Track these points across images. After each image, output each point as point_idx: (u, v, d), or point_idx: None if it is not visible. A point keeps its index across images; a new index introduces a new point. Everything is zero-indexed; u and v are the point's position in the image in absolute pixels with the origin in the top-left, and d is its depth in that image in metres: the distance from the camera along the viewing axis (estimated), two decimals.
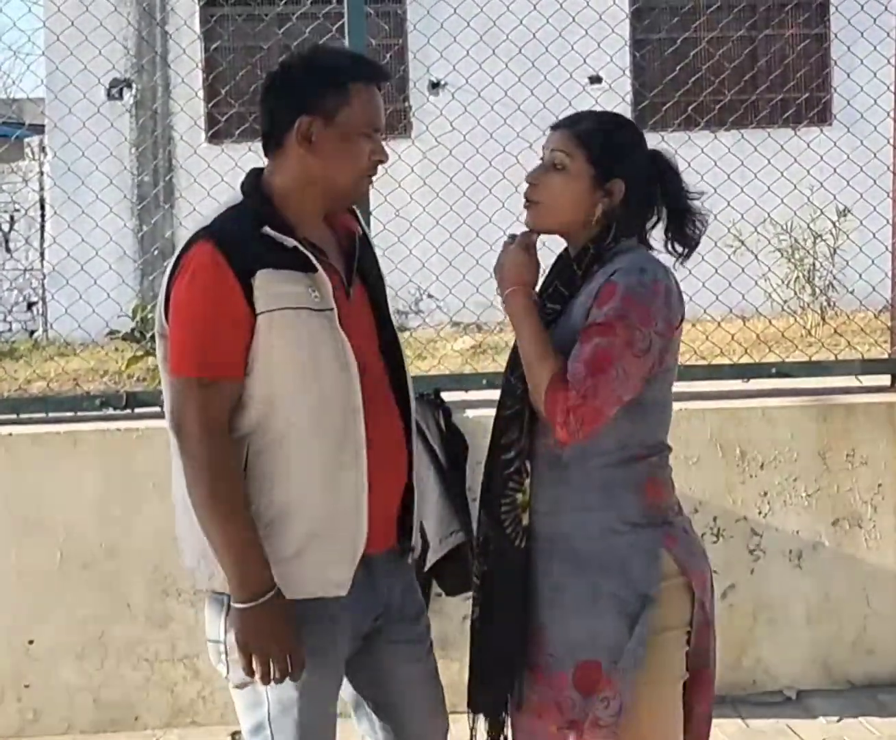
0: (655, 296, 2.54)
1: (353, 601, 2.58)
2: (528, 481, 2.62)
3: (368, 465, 2.54)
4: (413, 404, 2.73)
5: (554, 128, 2.71)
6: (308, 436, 2.50)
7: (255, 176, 2.62)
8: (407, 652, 2.74)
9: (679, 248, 2.72)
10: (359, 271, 2.67)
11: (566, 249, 2.75)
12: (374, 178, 2.64)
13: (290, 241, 2.50)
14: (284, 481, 2.51)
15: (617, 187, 2.63)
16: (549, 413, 2.50)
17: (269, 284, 2.46)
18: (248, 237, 2.49)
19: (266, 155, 2.62)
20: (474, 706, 2.77)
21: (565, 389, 2.47)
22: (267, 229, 2.49)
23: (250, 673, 2.49)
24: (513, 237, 2.71)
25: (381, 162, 2.61)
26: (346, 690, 2.76)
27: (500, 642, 2.65)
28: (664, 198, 2.70)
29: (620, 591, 2.55)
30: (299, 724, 2.55)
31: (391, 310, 2.76)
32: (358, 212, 2.79)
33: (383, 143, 2.61)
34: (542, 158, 2.69)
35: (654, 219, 2.71)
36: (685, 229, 2.70)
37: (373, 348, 2.65)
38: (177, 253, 2.54)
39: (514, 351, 2.71)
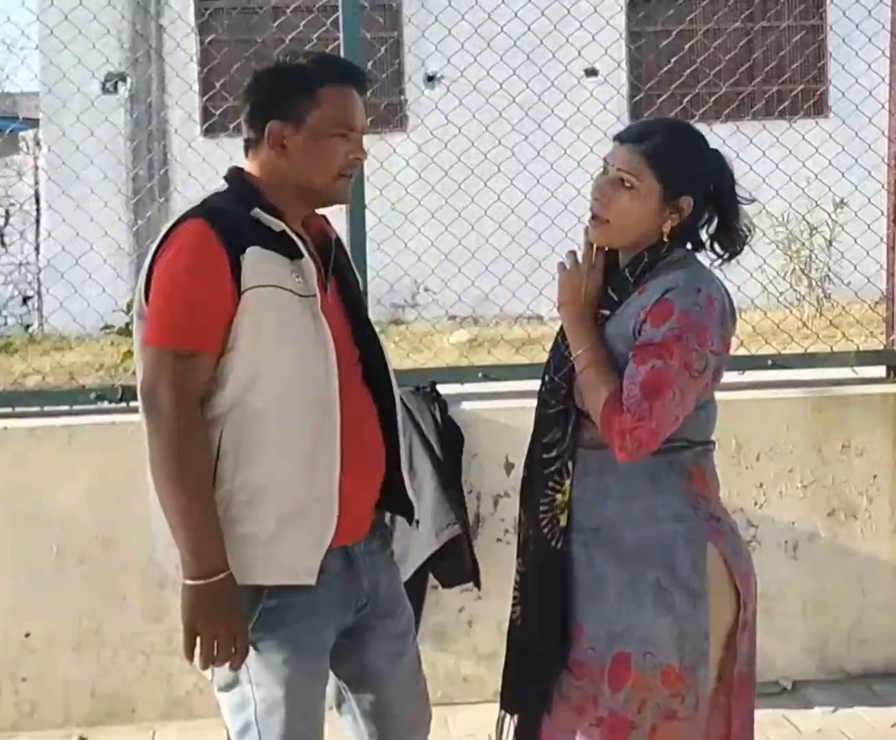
0: (711, 316, 2.53)
1: (335, 593, 2.57)
2: (568, 482, 2.60)
3: (346, 451, 2.54)
4: (397, 399, 2.72)
5: (620, 140, 2.63)
6: (286, 416, 2.50)
7: (238, 169, 2.66)
8: (390, 646, 2.74)
9: (720, 250, 2.68)
10: (333, 271, 2.69)
11: (613, 250, 2.69)
12: (368, 171, 2.65)
13: (279, 224, 2.53)
14: (260, 461, 2.50)
15: (686, 204, 2.59)
16: (605, 434, 2.50)
17: (257, 262, 2.48)
18: (238, 216, 2.51)
19: (245, 157, 2.66)
20: (510, 707, 2.74)
21: (621, 412, 2.47)
22: (257, 211, 2.52)
23: (190, 654, 2.49)
24: (573, 253, 2.68)
25: (359, 160, 2.63)
26: (330, 684, 2.75)
27: (540, 643, 2.64)
28: (719, 204, 2.65)
29: (665, 583, 2.54)
30: (287, 722, 2.54)
31: (369, 307, 2.80)
32: (329, 220, 2.79)
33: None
34: (605, 169, 2.62)
35: (711, 221, 2.67)
36: (735, 235, 2.67)
37: (347, 341, 2.66)
38: (163, 231, 2.54)
39: (556, 349, 2.70)
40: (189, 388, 2.45)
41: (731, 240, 2.68)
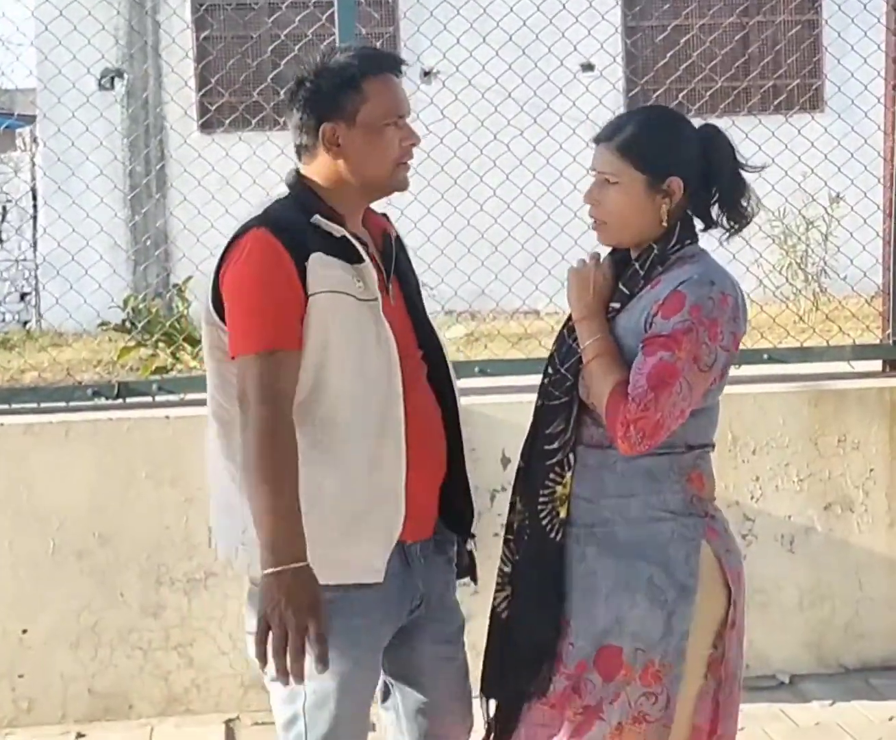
0: (723, 311, 2.52)
1: (390, 591, 2.58)
2: (569, 474, 2.60)
3: (410, 452, 2.56)
4: (458, 400, 2.74)
5: (597, 142, 2.65)
6: (351, 418, 2.52)
7: (297, 172, 2.66)
8: (440, 650, 2.75)
9: (728, 224, 2.68)
10: (395, 272, 2.70)
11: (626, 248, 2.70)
12: (410, 163, 2.66)
13: (339, 230, 2.54)
14: (327, 463, 2.52)
15: (675, 185, 2.59)
16: (609, 423, 2.50)
17: (321, 267, 2.50)
18: (300, 223, 2.53)
19: (299, 162, 2.66)
20: (490, 692, 2.74)
21: (625, 401, 2.47)
22: (317, 218, 2.53)
23: (262, 651, 2.42)
24: (585, 261, 2.69)
25: (414, 145, 2.64)
26: (382, 687, 2.77)
27: (530, 633, 2.63)
28: (718, 177, 2.65)
29: (657, 578, 2.54)
30: (334, 717, 2.54)
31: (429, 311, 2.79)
32: (388, 218, 2.80)
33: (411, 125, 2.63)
34: (592, 175, 2.65)
35: (716, 197, 2.67)
36: (739, 206, 2.67)
37: (411, 342, 2.67)
38: (227, 240, 2.56)
39: (561, 340, 2.70)
40: (277, 388, 2.47)
41: (733, 214, 2.67)
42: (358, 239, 2.58)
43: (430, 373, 2.71)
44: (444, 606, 2.76)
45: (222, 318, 2.55)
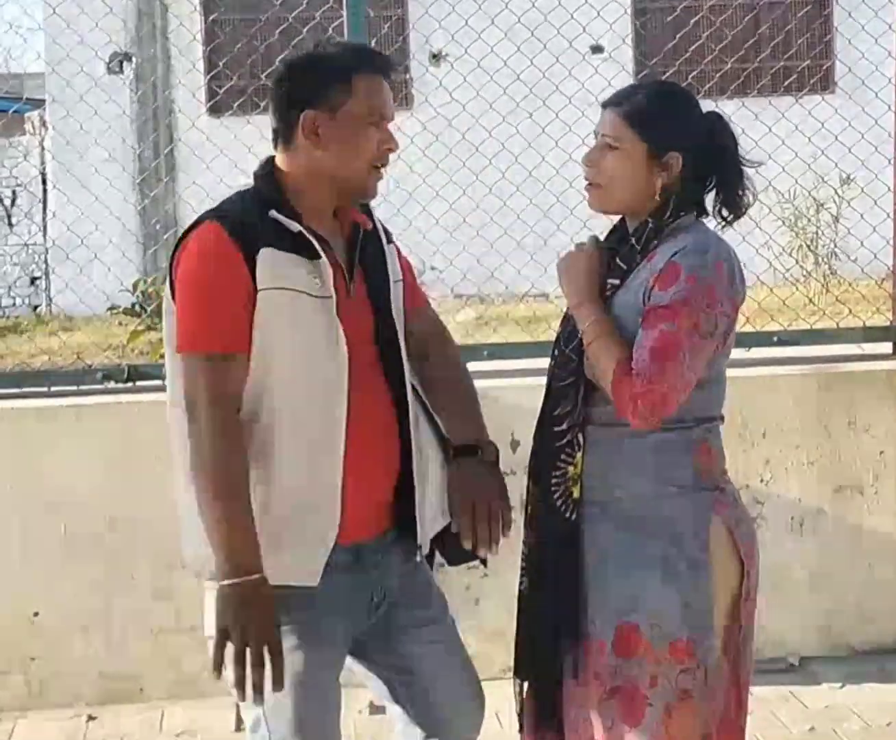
0: (720, 278, 2.53)
1: (339, 589, 2.56)
2: (580, 454, 2.61)
3: (353, 451, 2.53)
4: (410, 396, 2.68)
5: (604, 106, 2.68)
6: (294, 420, 2.51)
7: (268, 163, 2.64)
8: (423, 634, 2.73)
9: (726, 214, 2.69)
10: (361, 264, 2.66)
11: (622, 220, 2.72)
12: (384, 169, 2.64)
13: (295, 226, 2.52)
14: (269, 465, 2.50)
15: (674, 160, 2.61)
16: (617, 402, 2.50)
17: (272, 264, 2.48)
18: (254, 218, 2.51)
19: (275, 149, 2.64)
20: (522, 674, 2.76)
21: (630, 377, 2.47)
22: (273, 213, 2.51)
23: (219, 661, 2.43)
24: (581, 245, 2.70)
25: (391, 150, 2.61)
26: (376, 683, 2.77)
27: (551, 612, 2.64)
28: (717, 164, 2.67)
29: (668, 553, 2.55)
30: (295, 719, 2.53)
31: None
32: (374, 212, 2.77)
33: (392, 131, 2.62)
34: (595, 137, 2.67)
35: (712, 184, 2.68)
36: (735, 196, 2.68)
37: (366, 338, 2.63)
38: (181, 233, 2.56)
39: (566, 322, 2.70)
40: (225, 389, 2.46)
41: (730, 203, 2.68)
42: (318, 235, 2.55)
43: (386, 368, 2.66)
44: (414, 592, 2.73)
45: None
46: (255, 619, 2.42)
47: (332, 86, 2.55)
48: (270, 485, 2.51)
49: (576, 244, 2.72)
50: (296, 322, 2.50)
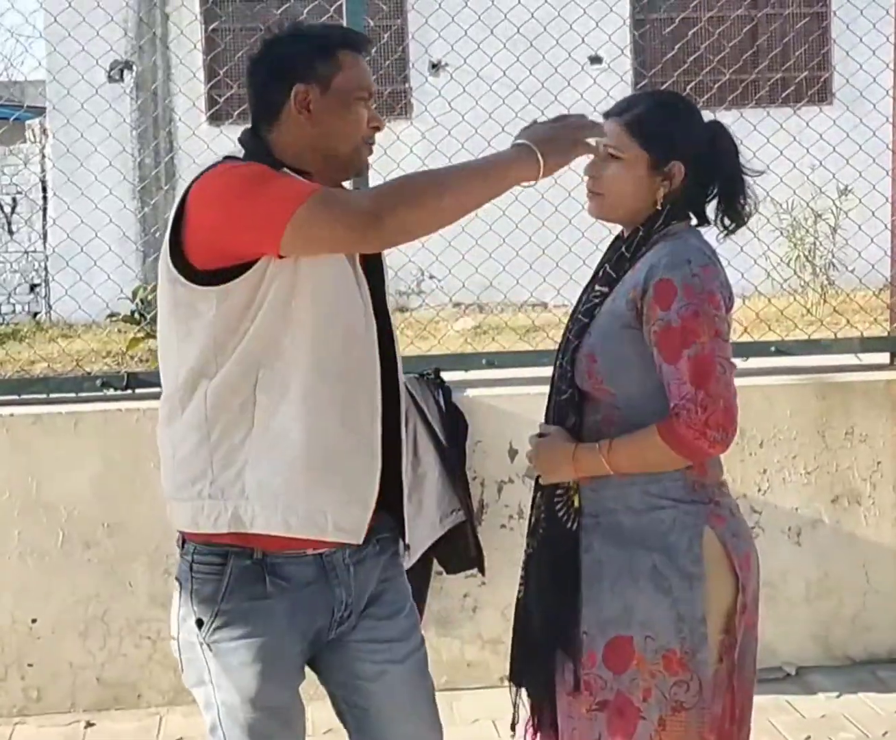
0: (712, 280, 2.55)
1: (300, 602, 2.48)
2: None
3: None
4: (402, 395, 2.65)
5: (606, 116, 2.69)
6: (325, 362, 2.45)
7: (254, 135, 2.56)
8: (381, 652, 2.60)
9: (727, 223, 2.71)
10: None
11: (622, 230, 2.73)
12: (371, 158, 2.63)
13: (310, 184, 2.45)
14: (294, 407, 2.42)
15: (676, 169, 2.62)
16: (690, 453, 2.51)
17: None
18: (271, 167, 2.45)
19: (259, 133, 2.55)
20: (518, 680, 2.77)
21: (680, 423, 2.48)
22: (286, 170, 2.45)
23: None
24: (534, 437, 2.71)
25: (378, 128, 2.57)
26: (330, 700, 2.68)
27: (549, 620, 2.65)
28: (719, 173, 2.68)
29: (662, 566, 2.55)
30: (246, 728, 2.49)
31: (390, 297, 2.71)
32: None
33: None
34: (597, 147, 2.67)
35: (714, 193, 2.70)
36: (736, 205, 2.70)
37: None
38: (182, 193, 2.48)
39: (564, 335, 2.72)
40: (341, 196, 2.43)
41: (732, 212, 2.70)
42: None
43: (382, 357, 2.59)
44: (384, 606, 2.61)
45: (184, 275, 2.42)
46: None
47: (319, 59, 2.50)
48: (306, 424, 2.42)
49: (533, 436, 2.72)
50: (327, 258, 2.44)
